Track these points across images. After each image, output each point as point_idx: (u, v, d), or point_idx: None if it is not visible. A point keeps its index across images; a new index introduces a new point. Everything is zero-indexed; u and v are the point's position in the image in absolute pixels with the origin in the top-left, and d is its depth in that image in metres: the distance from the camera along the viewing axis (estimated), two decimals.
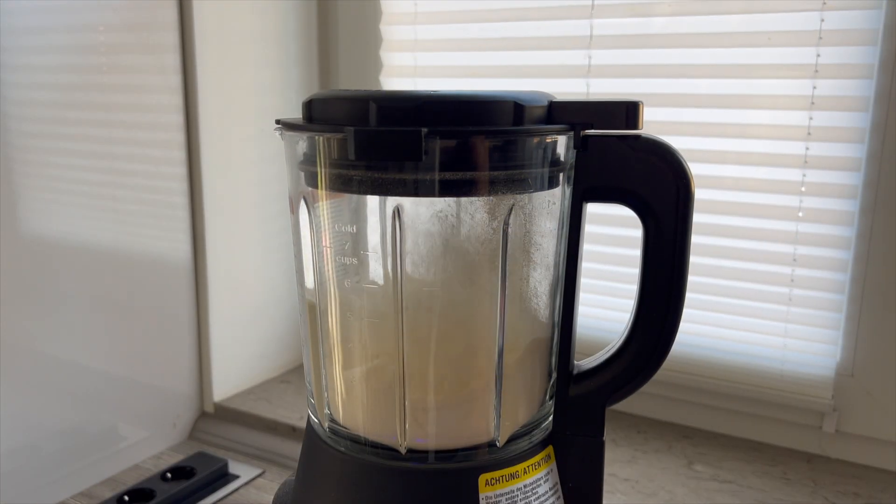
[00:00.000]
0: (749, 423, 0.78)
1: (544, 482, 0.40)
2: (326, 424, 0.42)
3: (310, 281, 0.41)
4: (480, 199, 0.37)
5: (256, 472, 0.76)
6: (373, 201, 0.38)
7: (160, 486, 0.71)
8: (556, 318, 0.41)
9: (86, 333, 0.73)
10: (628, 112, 0.37)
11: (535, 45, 0.81)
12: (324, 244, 0.39)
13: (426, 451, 0.39)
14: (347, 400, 0.41)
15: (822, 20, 0.67)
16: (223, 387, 0.88)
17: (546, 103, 0.38)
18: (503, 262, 0.38)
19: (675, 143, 0.38)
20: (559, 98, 0.39)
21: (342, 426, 0.41)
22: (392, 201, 0.37)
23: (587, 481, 0.42)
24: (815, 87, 0.69)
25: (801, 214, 0.72)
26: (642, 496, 0.68)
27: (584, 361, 0.42)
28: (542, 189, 0.39)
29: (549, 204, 0.39)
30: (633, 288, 0.40)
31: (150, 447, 0.80)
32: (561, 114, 0.38)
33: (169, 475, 0.73)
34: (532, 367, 0.41)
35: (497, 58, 0.84)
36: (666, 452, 0.76)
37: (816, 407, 0.74)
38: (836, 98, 0.69)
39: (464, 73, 0.87)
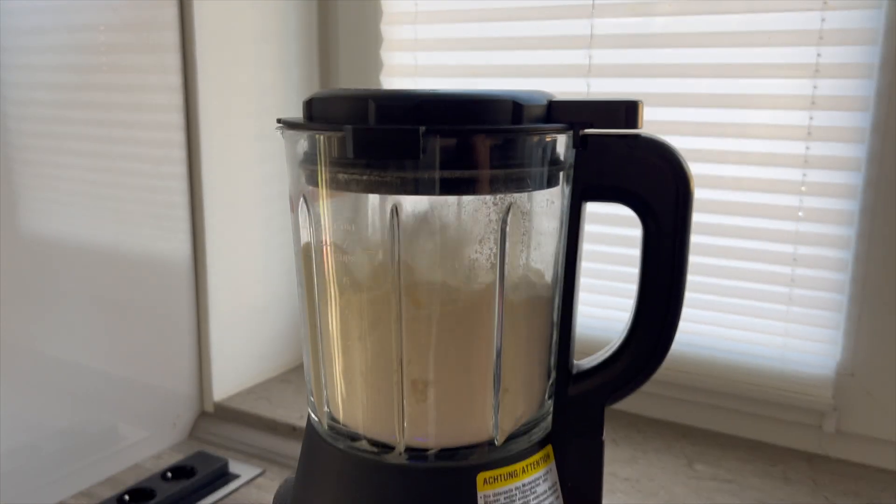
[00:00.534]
0: (749, 422, 0.78)
1: (543, 481, 0.40)
2: (326, 423, 0.42)
3: (309, 280, 0.41)
4: (479, 197, 0.37)
5: (257, 471, 0.76)
6: (372, 200, 0.38)
7: (160, 486, 0.71)
8: (556, 318, 0.41)
9: (85, 333, 0.73)
10: (628, 111, 0.37)
11: (535, 44, 0.81)
12: (323, 243, 0.40)
13: (425, 450, 0.39)
14: (347, 398, 0.41)
15: (823, 20, 0.67)
16: (223, 386, 0.88)
17: (545, 102, 0.38)
18: (502, 262, 0.38)
19: (675, 142, 0.38)
20: (559, 98, 0.39)
21: (342, 424, 0.41)
22: (391, 200, 0.37)
23: (586, 481, 0.42)
24: (815, 87, 0.69)
25: (801, 214, 0.72)
26: (642, 496, 0.68)
27: (584, 361, 0.42)
28: (541, 188, 0.39)
29: (548, 203, 0.39)
30: (633, 288, 0.40)
31: (150, 447, 0.80)
32: (560, 113, 0.38)
33: (169, 475, 0.73)
34: (531, 367, 0.41)
35: (497, 57, 0.84)
36: (666, 452, 0.76)
37: (817, 406, 0.74)
38: (837, 98, 0.68)
39: (464, 73, 0.87)
